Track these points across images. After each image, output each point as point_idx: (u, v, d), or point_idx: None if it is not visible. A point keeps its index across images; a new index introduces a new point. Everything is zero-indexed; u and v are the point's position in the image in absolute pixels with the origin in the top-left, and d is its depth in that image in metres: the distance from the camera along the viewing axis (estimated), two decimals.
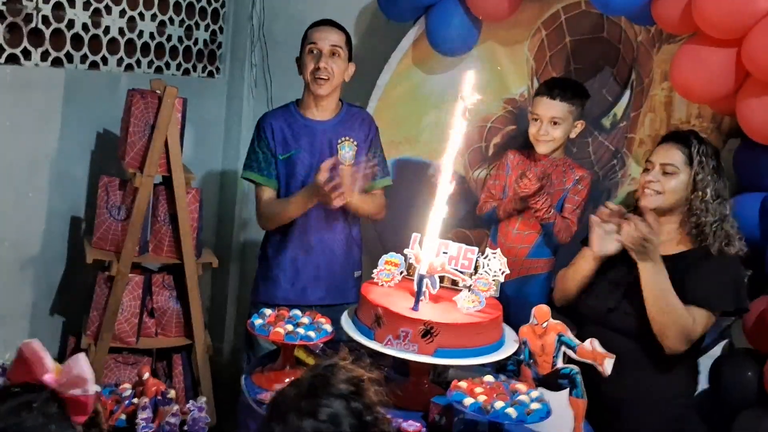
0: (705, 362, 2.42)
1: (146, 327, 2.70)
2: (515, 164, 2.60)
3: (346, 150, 2.52)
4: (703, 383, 2.35)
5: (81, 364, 1.16)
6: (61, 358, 2.76)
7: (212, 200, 3.56)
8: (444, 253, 2.06)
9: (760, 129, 2.17)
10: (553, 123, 2.43)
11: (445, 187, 1.97)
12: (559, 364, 1.95)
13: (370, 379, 1.31)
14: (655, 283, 2.00)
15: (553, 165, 2.51)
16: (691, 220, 2.12)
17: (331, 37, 2.50)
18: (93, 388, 1.15)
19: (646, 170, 2.19)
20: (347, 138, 2.54)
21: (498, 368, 2.06)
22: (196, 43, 3.31)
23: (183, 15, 3.21)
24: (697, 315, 2.03)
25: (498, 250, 2.07)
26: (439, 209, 1.99)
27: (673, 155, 2.13)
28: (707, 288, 2.04)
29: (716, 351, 2.53)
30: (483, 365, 1.98)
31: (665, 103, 2.58)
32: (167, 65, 3.18)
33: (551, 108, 2.42)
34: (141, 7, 2.98)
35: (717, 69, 2.17)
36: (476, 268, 2.06)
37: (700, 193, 2.11)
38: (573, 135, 2.49)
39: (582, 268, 2.19)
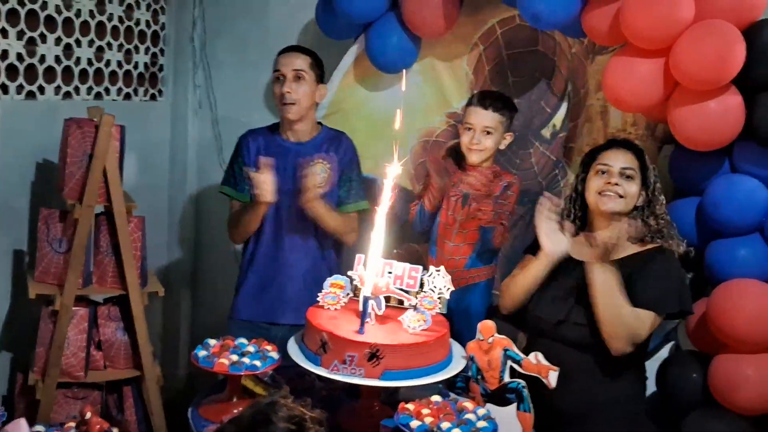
0: (652, 365, 2.47)
1: (94, 360, 2.65)
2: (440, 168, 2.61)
3: (319, 172, 2.55)
4: (651, 386, 2.40)
5: (21, 428, 1.13)
6: (10, 396, 2.74)
7: (161, 225, 3.51)
8: (389, 272, 2.07)
9: (691, 136, 2.23)
10: (485, 132, 2.47)
11: (384, 207, 1.97)
12: (506, 378, 1.97)
13: (311, 419, 1.30)
14: (604, 285, 2.01)
15: (483, 174, 2.54)
16: (646, 224, 2.14)
17: (294, 62, 2.58)
18: None
19: (598, 174, 2.16)
20: (320, 160, 2.58)
21: (448, 385, 2.07)
22: (136, 66, 3.27)
23: (122, 39, 3.16)
24: (644, 317, 2.05)
25: (442, 267, 2.08)
26: (379, 229, 1.98)
27: (631, 160, 2.16)
28: (654, 290, 2.06)
29: (663, 353, 2.59)
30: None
31: (601, 112, 2.63)
32: (107, 91, 3.13)
33: (484, 118, 2.46)
34: (77, 34, 2.93)
35: (646, 79, 2.22)
36: (422, 286, 2.07)
37: (661, 197, 2.16)
38: (502, 146, 2.53)
39: (533, 270, 2.17)
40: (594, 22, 2.28)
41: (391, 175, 1.95)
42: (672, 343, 2.60)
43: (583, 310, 2.09)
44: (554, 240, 2.10)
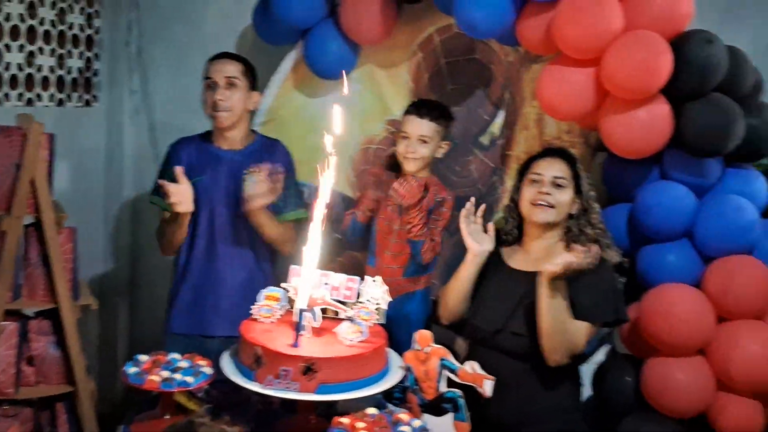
0: (589, 369, 2.51)
1: (25, 376, 2.55)
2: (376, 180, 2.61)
3: (258, 180, 2.50)
4: (588, 391, 2.43)
5: None
6: None
7: (97, 235, 3.42)
8: (325, 283, 2.05)
9: (621, 144, 2.27)
10: (421, 141, 2.47)
11: (318, 216, 1.94)
12: (443, 388, 1.97)
13: None
14: (555, 303, 2.02)
15: (418, 184, 2.53)
16: (580, 233, 2.16)
17: (226, 69, 2.53)
18: None
19: (531, 184, 2.18)
20: (255, 169, 2.52)
21: (386, 396, 2.06)
22: (69, 72, 3.18)
23: (54, 44, 3.07)
24: (581, 328, 2.08)
25: (378, 278, 2.06)
26: (314, 239, 1.96)
27: (562, 169, 2.17)
28: (588, 301, 2.08)
29: (599, 357, 2.63)
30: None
31: (537, 120, 2.66)
32: (39, 97, 3.03)
33: (420, 126, 2.47)
34: (7, 39, 2.83)
35: (578, 88, 2.25)
36: (360, 296, 2.06)
37: (594, 205, 2.18)
38: (439, 155, 2.54)
39: (463, 273, 2.21)
40: (528, 31, 2.30)
41: (325, 183, 1.92)
42: (608, 346, 2.64)
43: (521, 320, 2.11)
44: (478, 239, 2.18)
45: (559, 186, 2.15)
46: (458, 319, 2.29)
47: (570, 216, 2.18)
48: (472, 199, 2.21)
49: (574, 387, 2.22)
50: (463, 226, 2.19)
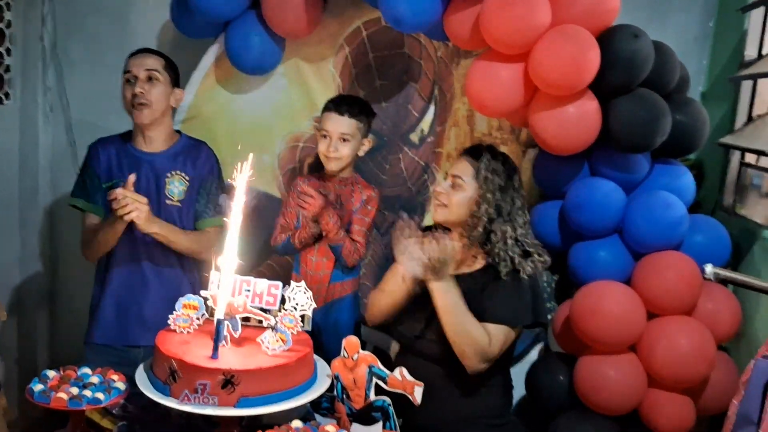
0: (522, 368, 2.48)
1: None
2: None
3: (175, 185, 2.44)
4: (520, 389, 2.40)
5: None
6: None
7: (12, 240, 3.23)
8: (247, 290, 1.95)
9: (550, 140, 2.24)
10: (342, 140, 2.40)
11: (235, 220, 1.84)
12: (372, 396, 1.90)
13: None
14: (447, 303, 1.97)
15: (342, 184, 2.47)
16: (472, 235, 2.08)
17: (146, 62, 2.42)
18: None
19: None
20: (178, 172, 2.44)
21: (313, 406, 1.98)
22: None
23: None
24: (494, 332, 2.01)
25: (302, 283, 1.97)
26: (232, 243, 1.85)
27: (464, 168, 2.11)
28: (503, 305, 2.03)
29: (533, 355, 2.60)
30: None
31: (467, 116, 2.61)
32: None
33: (340, 124, 2.39)
34: None
35: (507, 84, 2.21)
36: (283, 303, 1.97)
37: (479, 209, 2.07)
38: (361, 153, 2.47)
39: (394, 290, 2.14)
40: (455, 26, 2.24)
41: (240, 185, 1.82)
42: (541, 344, 2.62)
43: (439, 326, 2.03)
44: (411, 262, 2.00)
45: (455, 186, 2.10)
46: (384, 324, 2.22)
47: (473, 216, 2.09)
48: (403, 214, 2.12)
49: (502, 391, 2.17)
50: (396, 247, 2.04)
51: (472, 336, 1.97)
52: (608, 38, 2.15)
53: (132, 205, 2.21)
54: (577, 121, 2.18)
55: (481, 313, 2.00)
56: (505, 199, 2.09)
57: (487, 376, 2.06)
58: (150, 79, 2.40)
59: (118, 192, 2.21)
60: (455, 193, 2.10)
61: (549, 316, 2.38)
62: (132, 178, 2.26)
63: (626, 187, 2.31)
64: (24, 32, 3.20)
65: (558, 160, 2.32)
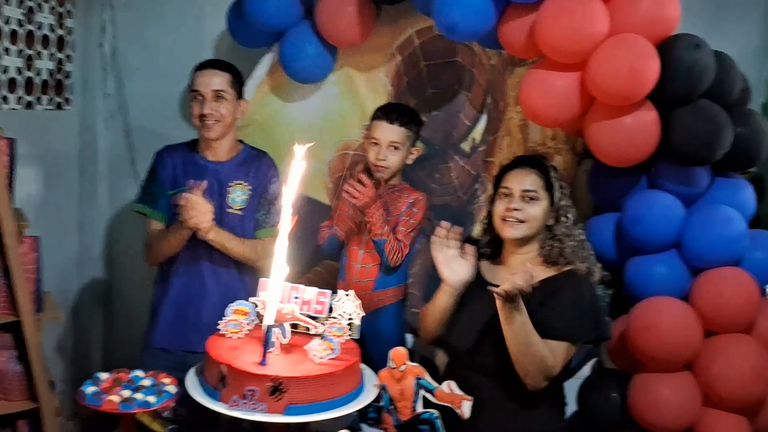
0: (575, 383, 2.42)
1: None
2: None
3: (237, 194, 2.47)
4: (572, 406, 2.35)
5: None
6: None
7: (71, 243, 3.31)
8: (295, 297, 1.95)
9: (607, 151, 2.19)
10: (392, 147, 2.39)
11: (285, 227, 1.85)
12: (419, 408, 1.88)
13: None
14: (515, 324, 1.90)
15: (390, 191, 2.45)
16: (553, 246, 2.03)
17: (213, 82, 2.44)
18: None
19: (501, 197, 2.07)
20: (240, 182, 2.47)
21: (360, 416, 1.97)
22: (39, 73, 3.07)
23: (22, 44, 2.96)
24: (557, 348, 1.95)
25: (351, 292, 1.97)
26: (281, 250, 1.86)
27: (534, 181, 2.05)
28: (565, 320, 1.97)
29: (585, 371, 2.54)
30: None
31: (521, 126, 2.58)
32: (5, 99, 2.93)
33: (389, 132, 2.38)
34: None
35: (563, 93, 2.17)
36: (331, 311, 1.97)
37: (563, 218, 2.05)
38: (410, 161, 2.46)
39: (439, 301, 2.11)
40: (510, 34, 2.22)
41: (289, 193, 1.83)
42: (595, 360, 2.56)
43: (494, 339, 1.98)
44: (454, 268, 2.04)
45: (531, 199, 2.03)
46: (436, 340, 2.20)
47: (548, 228, 2.06)
48: (444, 223, 2.08)
49: (555, 408, 2.11)
50: (435, 253, 2.05)
51: (538, 356, 1.92)
52: (668, 48, 2.10)
53: (194, 210, 2.25)
54: (634, 132, 2.13)
55: (540, 328, 1.94)
56: (573, 206, 2.06)
57: (542, 392, 1.99)
58: (218, 98, 2.42)
59: (186, 197, 2.26)
60: (531, 207, 2.03)
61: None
62: (204, 184, 2.30)
63: (685, 200, 2.25)
64: (84, 39, 3.28)
65: (615, 171, 2.27)
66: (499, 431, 2.02)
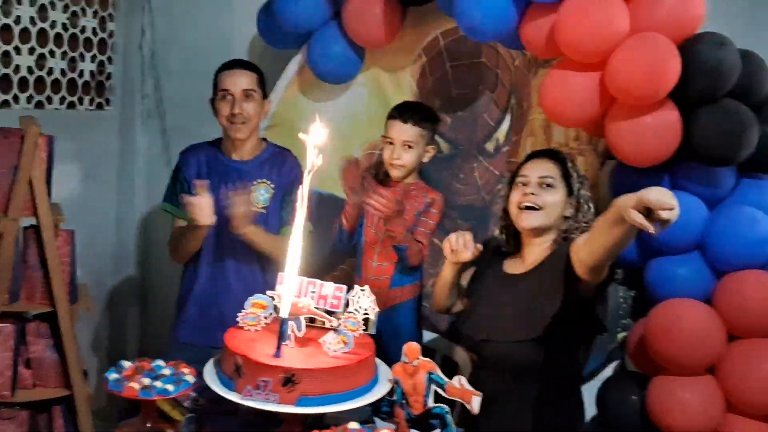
0: (595, 385, 2.40)
1: (23, 379, 2.55)
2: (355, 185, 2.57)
3: (261, 193, 2.51)
4: (592, 408, 2.33)
5: None
6: None
7: (108, 238, 3.43)
8: (312, 292, 1.99)
9: (628, 152, 2.17)
10: (406, 146, 2.40)
11: (299, 221, 1.88)
12: (431, 403, 1.90)
13: None
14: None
15: (406, 190, 2.47)
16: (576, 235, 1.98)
17: (242, 81, 2.49)
18: None
19: (518, 187, 2.04)
20: (264, 181, 2.52)
21: (374, 409, 1.99)
22: (81, 75, 3.19)
23: (66, 47, 3.08)
24: None
25: (367, 287, 2.00)
26: (296, 245, 1.90)
27: (550, 168, 2.03)
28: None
29: (607, 373, 2.52)
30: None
31: (544, 126, 2.57)
32: (49, 99, 3.05)
33: (403, 131, 2.40)
34: (17, 41, 2.85)
35: (583, 93, 2.16)
36: (347, 306, 2.00)
37: (585, 206, 2.02)
38: (425, 159, 2.46)
39: (444, 274, 2.15)
40: (531, 34, 2.22)
41: (305, 186, 1.87)
42: (617, 362, 2.54)
43: (509, 326, 1.99)
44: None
45: (548, 186, 2.01)
46: (448, 311, 2.26)
47: (566, 218, 2.04)
48: (459, 233, 2.10)
49: (571, 408, 2.08)
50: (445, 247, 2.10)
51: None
52: (691, 46, 2.07)
53: (195, 208, 2.31)
54: (655, 132, 2.10)
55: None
56: (582, 194, 2.04)
57: (557, 391, 1.99)
58: (247, 97, 2.47)
59: (185, 198, 2.33)
60: (547, 194, 2.00)
61: (624, 332, 2.31)
62: (201, 182, 2.35)
63: (709, 202, 2.21)
64: (125, 42, 3.40)
65: (636, 172, 2.24)
66: (510, 426, 2.01)
